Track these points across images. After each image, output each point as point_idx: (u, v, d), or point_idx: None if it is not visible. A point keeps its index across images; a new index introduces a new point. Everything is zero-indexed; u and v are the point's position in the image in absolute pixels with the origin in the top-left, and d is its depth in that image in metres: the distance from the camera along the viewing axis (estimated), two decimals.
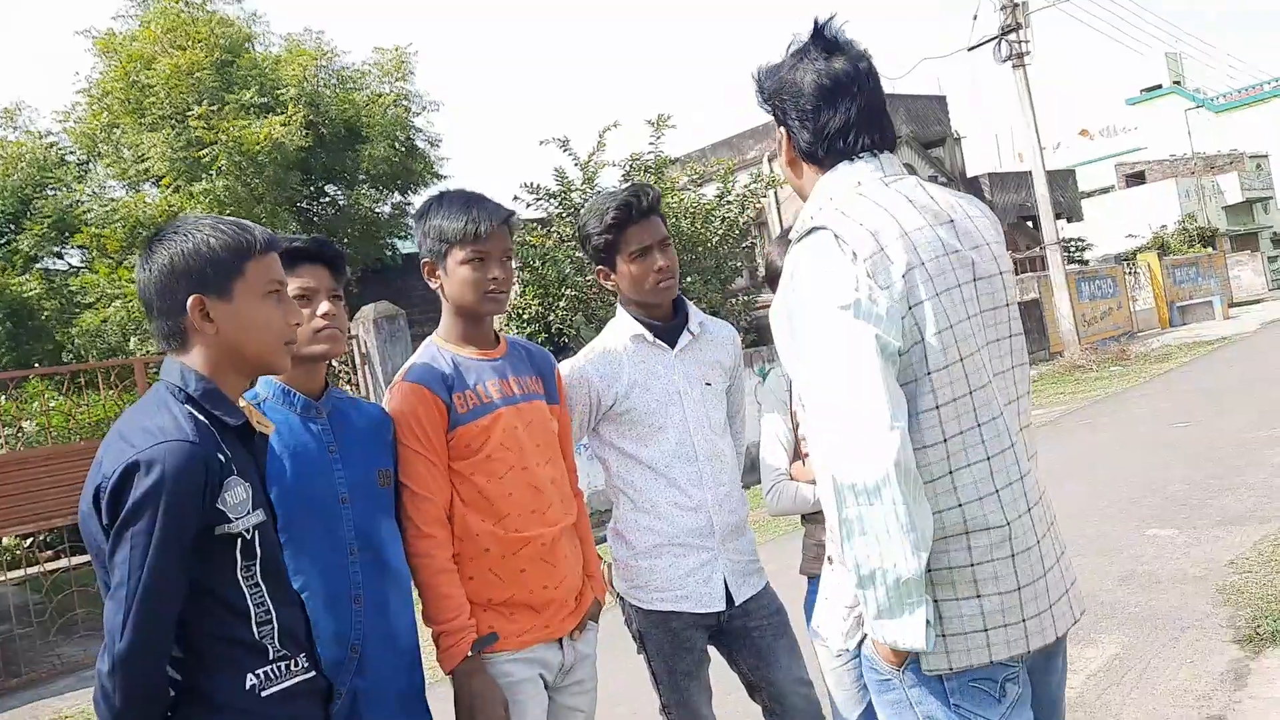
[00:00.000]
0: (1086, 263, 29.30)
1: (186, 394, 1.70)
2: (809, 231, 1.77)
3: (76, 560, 8.63)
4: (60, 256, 13.61)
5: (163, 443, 1.59)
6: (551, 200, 12.92)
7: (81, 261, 13.14)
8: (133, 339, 11.30)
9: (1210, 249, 35.56)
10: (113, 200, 12.02)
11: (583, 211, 2.86)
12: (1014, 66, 20.84)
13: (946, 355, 1.70)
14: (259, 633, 1.68)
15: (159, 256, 1.73)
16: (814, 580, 2.78)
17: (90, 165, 13.10)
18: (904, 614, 1.66)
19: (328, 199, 13.22)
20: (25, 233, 12.44)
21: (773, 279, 2.72)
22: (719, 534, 2.68)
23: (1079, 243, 31.74)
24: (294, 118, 10.83)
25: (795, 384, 1.78)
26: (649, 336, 2.72)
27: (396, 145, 12.25)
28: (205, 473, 1.61)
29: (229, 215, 7.96)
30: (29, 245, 12.47)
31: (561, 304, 12.08)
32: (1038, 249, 25.18)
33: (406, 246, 14.04)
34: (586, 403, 2.69)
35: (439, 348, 2.45)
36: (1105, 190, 45.76)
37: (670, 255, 2.71)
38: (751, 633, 2.71)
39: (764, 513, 2.94)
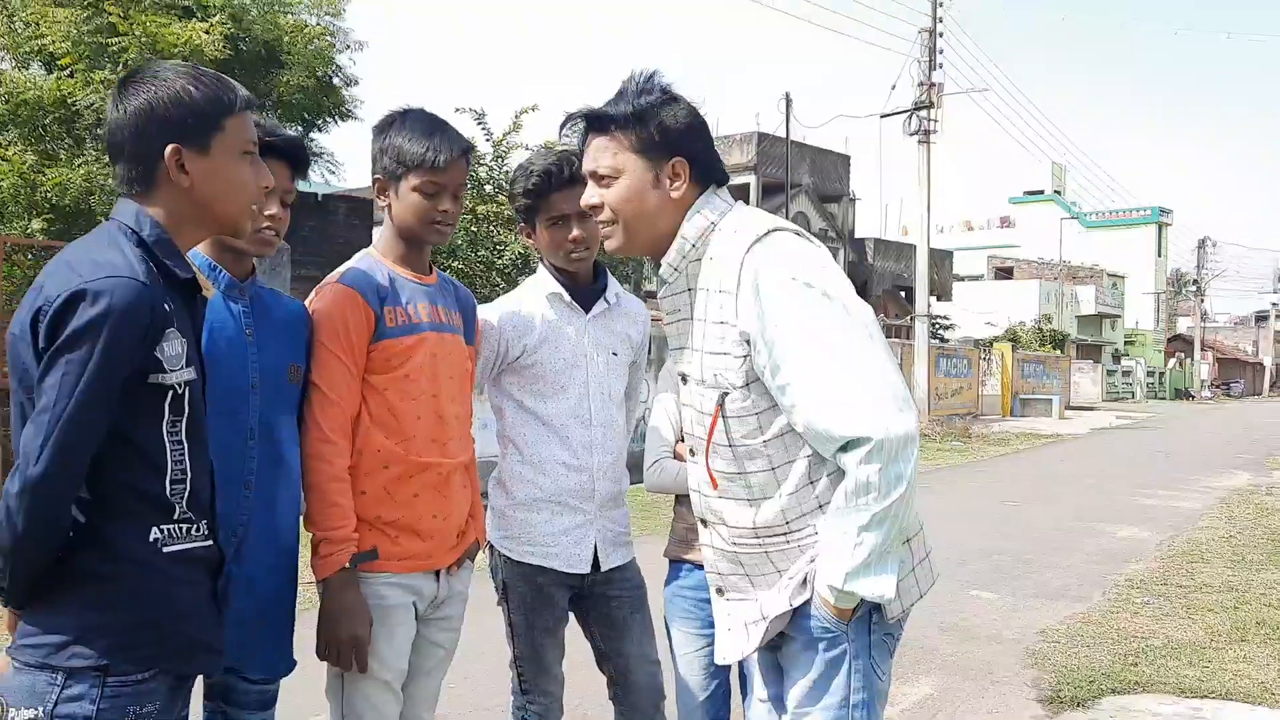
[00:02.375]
0: (947, 341, 30.69)
1: (140, 238, 1.67)
2: (768, 232, 1.93)
3: None
4: None
5: (113, 277, 1.57)
6: None
7: None
8: None
9: (1058, 351, 37.75)
10: None
11: (516, 166, 2.90)
12: (920, 142, 21.74)
13: None
14: (171, 490, 1.66)
15: (136, 99, 1.69)
16: (676, 564, 2.87)
17: None
18: (889, 564, 1.86)
19: None
20: None
21: None
22: (598, 499, 2.74)
23: (944, 320, 33.24)
24: (216, 27, 10.42)
25: (774, 351, 1.86)
26: (565, 296, 2.76)
27: (315, 78, 11.92)
28: (150, 315, 1.59)
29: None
30: None
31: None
32: (907, 319, 26.24)
33: (300, 185, 13.63)
34: (495, 350, 2.72)
35: (377, 260, 2.44)
36: (976, 278, 48.05)
37: (589, 227, 2.68)
38: (610, 601, 2.78)
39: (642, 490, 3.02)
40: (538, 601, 2.71)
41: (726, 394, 1.95)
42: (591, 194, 2.05)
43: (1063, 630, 5.79)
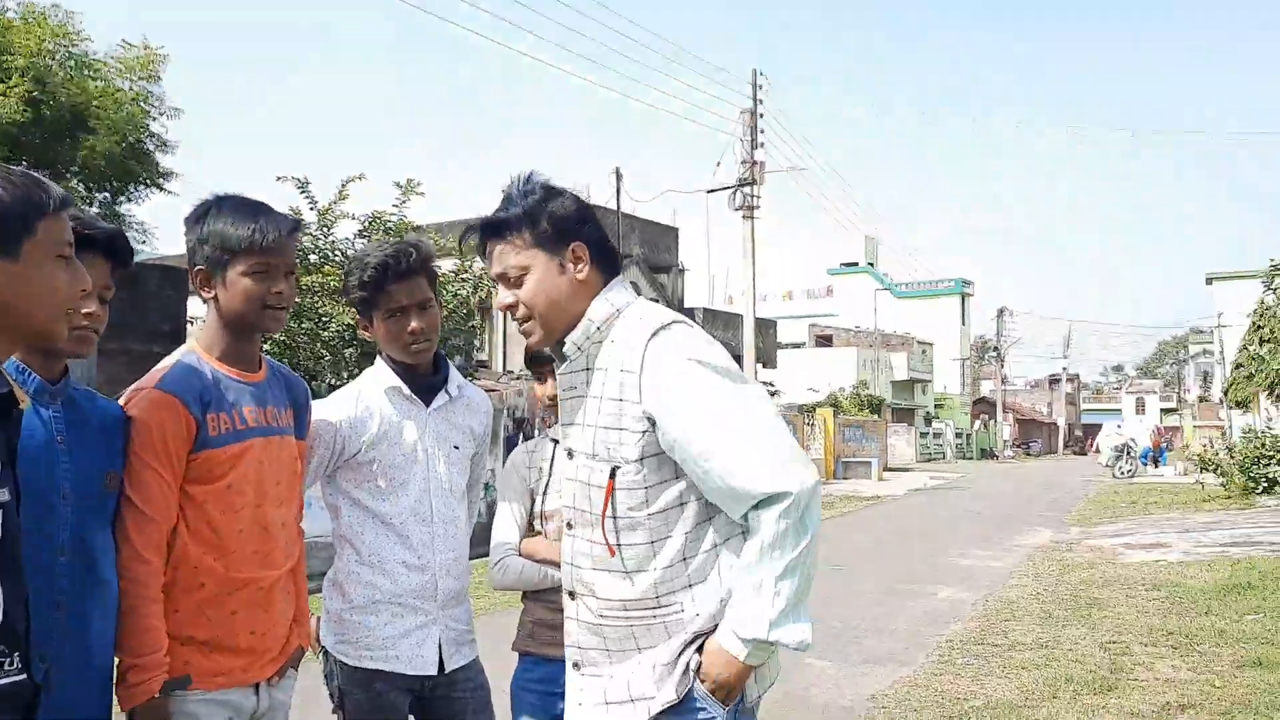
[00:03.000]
0: None
1: None
2: (670, 324, 2.06)
3: None
4: None
5: None
6: None
7: None
8: None
9: (876, 416, 39.50)
10: None
11: (350, 257, 2.85)
12: (744, 217, 22.58)
13: None
14: None
15: None
16: (526, 657, 2.82)
17: None
18: (804, 613, 1.98)
19: None
20: None
21: (536, 359, 2.81)
22: (441, 598, 2.67)
23: (770, 386, 34.27)
24: (14, 88, 9.85)
25: (676, 426, 1.98)
26: (405, 390, 2.70)
27: (124, 144, 11.39)
28: None
29: None
30: None
31: (266, 347, 11.51)
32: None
33: None
34: (330, 448, 2.62)
35: (200, 358, 2.31)
36: (798, 345, 49.94)
37: (428, 317, 2.67)
38: (454, 703, 2.69)
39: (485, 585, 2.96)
40: (375, 708, 2.60)
41: (618, 467, 2.04)
42: (505, 296, 2.14)
43: (892, 695, 5.97)
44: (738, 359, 29.80)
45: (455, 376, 2.83)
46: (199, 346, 2.34)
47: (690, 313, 34.34)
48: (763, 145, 22.87)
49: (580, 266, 2.10)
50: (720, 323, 35.10)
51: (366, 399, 2.68)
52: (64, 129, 11.15)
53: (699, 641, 2.02)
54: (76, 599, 2.00)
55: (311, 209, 13.73)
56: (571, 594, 2.16)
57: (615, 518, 2.05)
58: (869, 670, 6.59)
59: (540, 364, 2.79)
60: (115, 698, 2.11)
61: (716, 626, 2.00)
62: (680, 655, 2.02)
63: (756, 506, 1.95)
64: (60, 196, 1.67)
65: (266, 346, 11.62)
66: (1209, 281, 42.18)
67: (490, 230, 2.14)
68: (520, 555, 2.79)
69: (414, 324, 2.64)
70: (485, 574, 2.90)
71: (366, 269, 2.63)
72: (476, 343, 22.36)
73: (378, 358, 2.78)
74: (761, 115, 23.18)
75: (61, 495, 1.99)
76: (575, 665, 2.16)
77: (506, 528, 2.83)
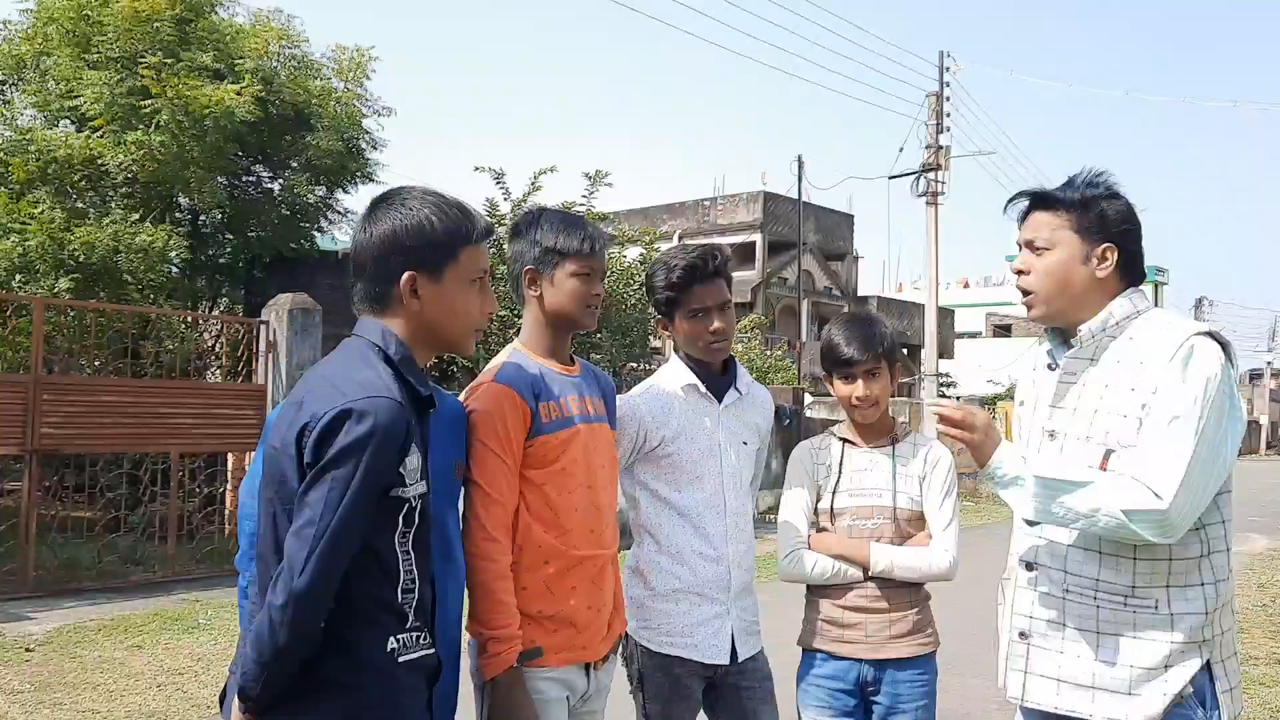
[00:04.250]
0: (952, 399, 30.73)
1: (386, 355, 1.72)
2: (1207, 333, 2.11)
3: None
4: None
5: (375, 397, 1.62)
6: None
7: None
8: (18, 276, 10.65)
9: None
10: (29, 130, 11.40)
11: (653, 260, 2.96)
12: (927, 203, 21.99)
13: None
14: (403, 599, 1.70)
15: (382, 224, 1.78)
16: (810, 653, 2.85)
17: (9, 90, 12.41)
18: None
19: (254, 179, 12.85)
20: None
21: (839, 359, 2.82)
22: (734, 589, 2.74)
23: (946, 378, 33.34)
24: (247, 90, 10.54)
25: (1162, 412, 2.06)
26: (701, 388, 2.79)
27: (342, 141, 12.04)
28: (406, 433, 1.64)
29: (155, 172, 7.62)
30: None
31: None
32: (913, 377, 26.33)
33: (324, 242, 13.73)
34: (633, 439, 2.73)
35: (526, 355, 2.48)
36: (974, 335, 48.29)
37: (728, 319, 2.78)
38: (742, 692, 2.75)
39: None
40: (674, 693, 2.69)
41: (1113, 451, 2.11)
42: (1019, 261, 2.29)
43: None
44: (916, 349, 29.08)
45: (744, 375, 2.89)
46: (523, 345, 2.51)
47: (864, 300, 33.74)
48: (948, 129, 22.22)
49: (1104, 266, 2.20)
50: (894, 311, 34.37)
51: (666, 394, 2.77)
52: (288, 127, 11.85)
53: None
54: (440, 579, 2.15)
55: (506, 199, 14.22)
56: (1030, 565, 2.25)
57: None
58: None
59: (848, 365, 2.80)
60: (477, 668, 2.26)
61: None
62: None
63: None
64: (483, 228, 1.85)
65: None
66: None
67: (1040, 199, 2.27)
68: (811, 549, 2.82)
69: (716, 324, 2.73)
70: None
71: (674, 271, 2.73)
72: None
73: (673, 355, 2.88)
74: (948, 98, 22.51)
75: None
76: (1021, 634, 2.24)
77: (796, 518, 2.87)
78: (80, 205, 11.17)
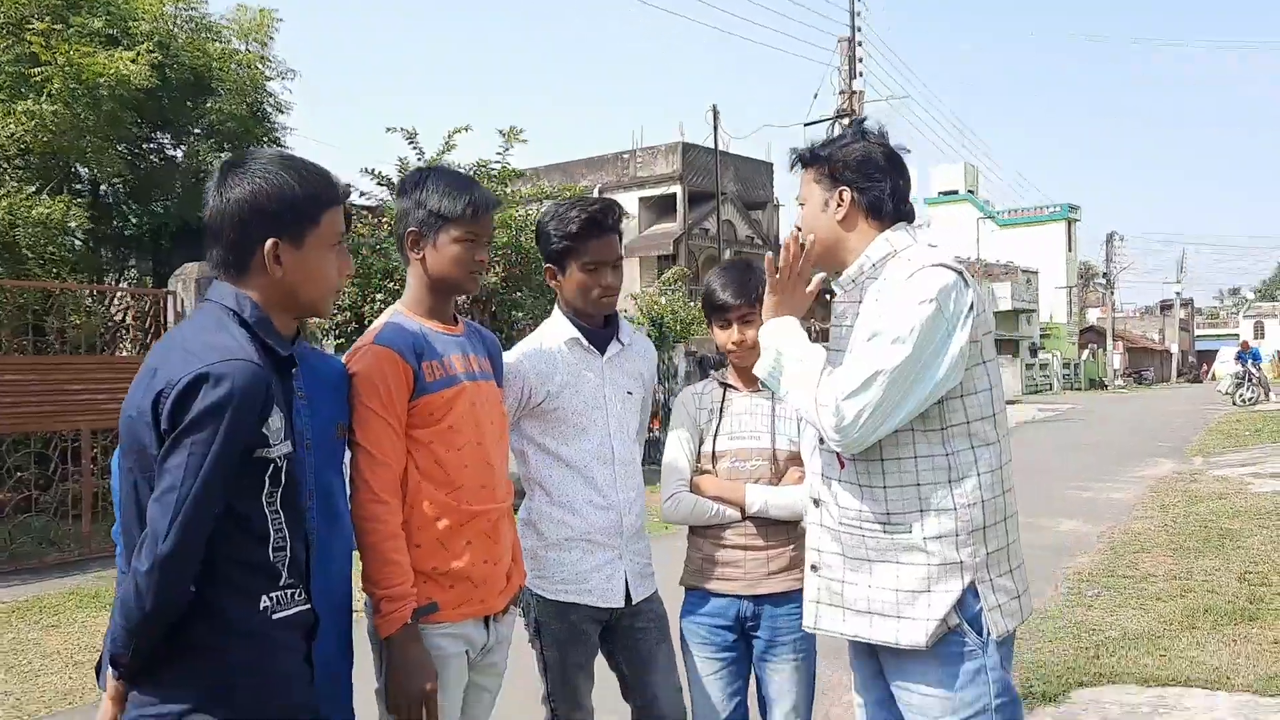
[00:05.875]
0: None
1: (241, 319, 1.73)
2: (935, 265, 2.16)
3: None
4: None
5: (231, 360, 1.63)
6: (388, 189, 12.73)
7: None
8: None
9: None
10: None
11: (544, 209, 2.99)
12: None
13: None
14: (273, 557, 1.73)
15: (237, 189, 1.76)
16: (692, 592, 2.97)
17: None
18: None
19: (155, 146, 12.50)
20: None
21: (715, 305, 2.92)
22: (625, 534, 2.83)
23: None
24: (143, 56, 10.22)
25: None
26: (583, 341, 2.85)
27: (245, 105, 11.75)
28: (265, 395, 1.66)
29: (50, 143, 7.37)
30: None
31: (380, 296, 11.87)
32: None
33: None
34: (518, 396, 2.79)
35: (406, 316, 2.51)
36: None
37: (619, 275, 2.85)
38: (637, 633, 2.86)
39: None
40: (571, 638, 2.79)
41: None
42: (796, 216, 2.44)
43: (1024, 627, 5.99)
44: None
45: (626, 327, 2.97)
46: (404, 307, 2.55)
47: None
48: (861, 75, 22.40)
49: (840, 210, 2.30)
50: None
51: (549, 350, 2.83)
52: (188, 92, 11.51)
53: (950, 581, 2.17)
54: (322, 538, 2.20)
55: (420, 160, 14.04)
56: (816, 501, 2.36)
57: None
58: None
59: (725, 311, 2.89)
60: (374, 628, 2.32)
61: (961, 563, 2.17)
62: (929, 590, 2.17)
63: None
64: (342, 190, 1.85)
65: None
66: None
67: (800, 160, 2.42)
68: (691, 491, 2.92)
69: (609, 279, 2.80)
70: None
71: (571, 222, 2.77)
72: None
73: (555, 310, 2.93)
74: (860, 44, 22.66)
75: (306, 445, 2.19)
76: (813, 567, 2.35)
77: (677, 464, 2.97)
78: None
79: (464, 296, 2.70)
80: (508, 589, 2.57)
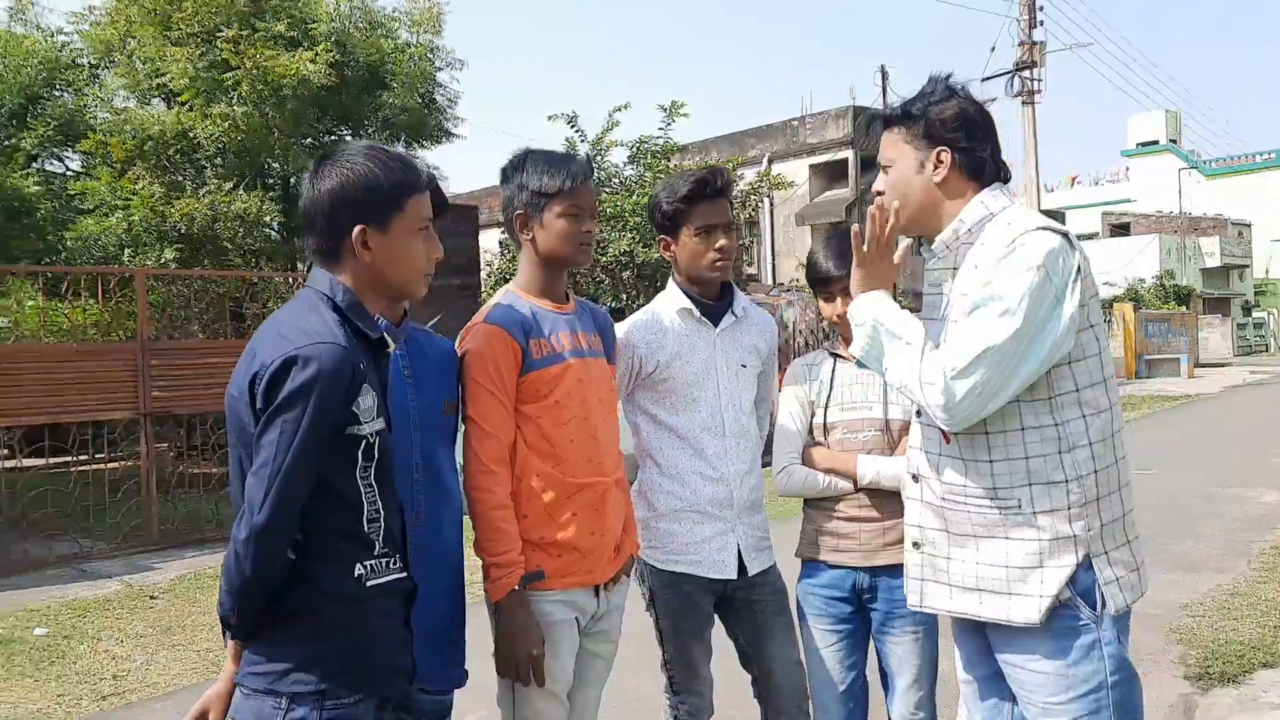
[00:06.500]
0: None
1: (334, 303, 1.85)
2: (1039, 228, 2.07)
3: (53, 460, 8.70)
4: (60, 160, 13.54)
5: (319, 343, 1.74)
6: None
7: (83, 167, 13.07)
8: (127, 250, 11.30)
9: (1184, 308, 36.19)
10: (124, 110, 11.97)
11: (658, 185, 3.02)
12: (1024, 103, 21.14)
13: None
14: (368, 528, 1.83)
15: (328, 180, 1.87)
16: (808, 564, 2.94)
17: (101, 72, 13.02)
18: None
19: (337, 138, 13.21)
20: (29, 132, 12.35)
21: (818, 277, 2.88)
22: (737, 506, 2.84)
23: None
24: (322, 55, 10.83)
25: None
26: (695, 312, 2.86)
27: (416, 97, 12.27)
28: (351, 375, 1.76)
29: (242, 142, 7.94)
30: (31, 144, 12.39)
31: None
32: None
33: None
34: (629, 367, 2.84)
35: (518, 296, 2.60)
36: (1090, 236, 46.33)
37: (732, 238, 2.84)
38: (754, 606, 2.87)
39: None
40: (684, 607, 2.82)
41: None
42: (878, 181, 2.33)
43: (1208, 603, 5.65)
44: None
45: (741, 298, 2.96)
46: (516, 287, 2.64)
47: None
48: (1042, 24, 21.23)
49: (939, 171, 2.21)
50: None
51: (660, 320, 2.87)
52: (364, 86, 12.13)
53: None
54: (431, 510, 2.33)
55: (583, 142, 14.30)
56: (914, 477, 2.29)
57: None
58: (1180, 578, 6.25)
59: (828, 283, 2.85)
60: (485, 593, 2.42)
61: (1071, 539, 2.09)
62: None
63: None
64: (427, 178, 1.94)
65: None
66: None
67: (881, 119, 2.34)
68: (803, 464, 2.90)
69: (721, 241, 2.81)
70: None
71: (681, 186, 2.81)
72: (746, 258, 22.53)
73: (670, 282, 2.96)
74: None
75: (413, 423, 2.31)
76: (914, 544, 2.30)
77: (788, 437, 2.95)
78: (178, 179, 11.74)
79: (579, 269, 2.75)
80: (617, 559, 2.62)
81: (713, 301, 2.91)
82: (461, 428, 2.50)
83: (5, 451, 8.73)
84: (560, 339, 2.55)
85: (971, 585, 2.17)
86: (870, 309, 2.22)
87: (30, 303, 11.14)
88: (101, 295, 8.89)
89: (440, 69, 12.83)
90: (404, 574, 1.92)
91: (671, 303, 2.90)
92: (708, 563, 2.81)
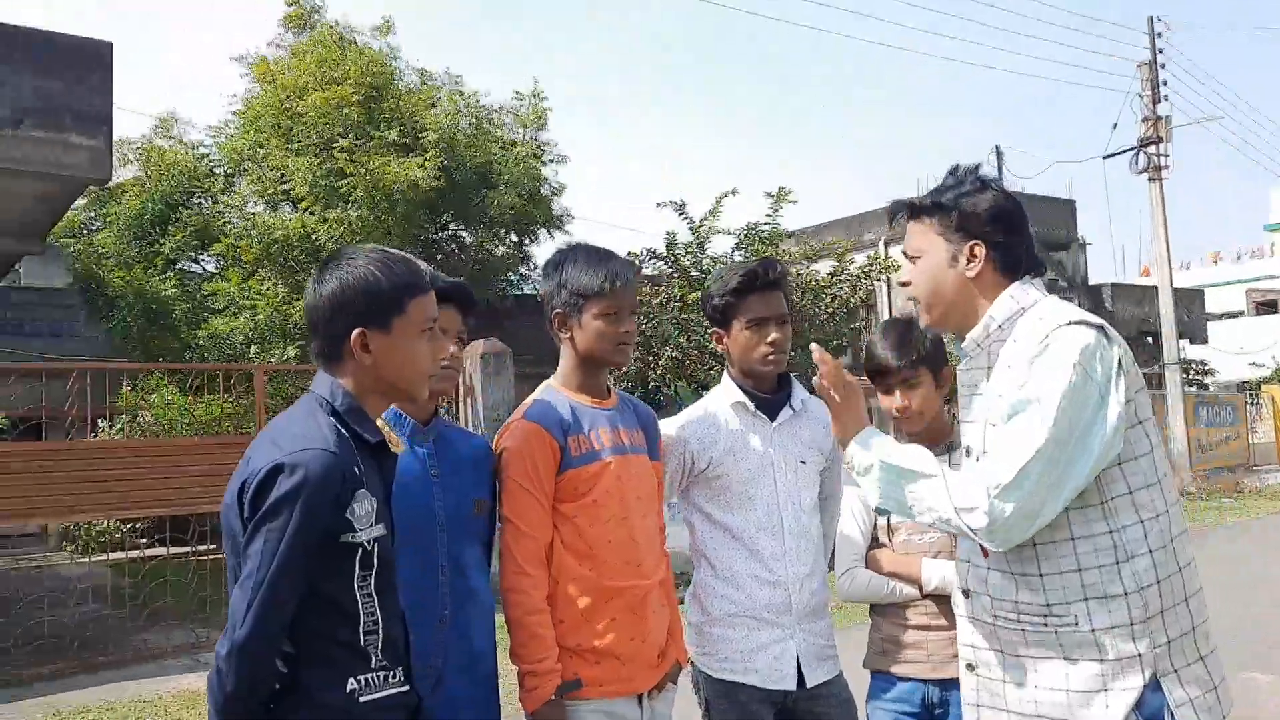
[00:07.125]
0: (1207, 387, 28.22)
1: (333, 408, 1.82)
2: (1073, 322, 1.94)
3: (174, 551, 9.00)
4: (197, 262, 14.38)
5: (306, 449, 1.70)
6: (661, 260, 13.12)
7: (216, 269, 13.83)
8: (254, 347, 11.81)
9: None
10: (252, 215, 12.67)
11: (711, 275, 2.96)
12: (1150, 179, 20.45)
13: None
14: (364, 640, 1.76)
15: (330, 283, 1.86)
16: (877, 675, 2.76)
17: (235, 180, 13.85)
18: None
19: (449, 235, 13.66)
20: (169, 237, 13.21)
21: (875, 368, 2.74)
22: (796, 612, 2.67)
23: (1200, 365, 30.61)
24: (431, 161, 11.27)
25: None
26: (750, 406, 2.76)
27: (523, 194, 12.62)
28: (341, 482, 1.71)
29: (359, 243, 8.34)
30: (170, 249, 13.24)
31: (661, 363, 12.17)
32: (1155, 367, 24.38)
33: (521, 289, 14.40)
34: (680, 464, 2.74)
35: (557, 392, 2.54)
36: (1233, 315, 44.09)
37: (785, 331, 2.74)
38: (817, 718, 2.69)
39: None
40: (740, 718, 2.66)
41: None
42: (903, 273, 2.23)
43: None
44: (1155, 336, 26.84)
45: (799, 391, 2.84)
46: (556, 383, 2.58)
47: (1096, 290, 31.53)
48: (1166, 99, 20.55)
49: (973, 265, 2.10)
50: (1133, 298, 31.95)
51: (713, 415, 2.76)
52: (472, 186, 12.56)
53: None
54: (457, 613, 2.26)
55: (689, 228, 14.39)
56: (966, 593, 2.13)
57: None
58: None
59: (886, 375, 2.71)
60: (520, 702, 2.32)
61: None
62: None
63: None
64: (429, 278, 1.91)
65: (661, 363, 12.38)
66: None
67: (909, 209, 2.22)
68: (867, 565, 2.73)
69: (773, 334, 2.71)
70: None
71: (733, 278, 2.73)
72: (863, 339, 22.17)
73: (724, 376, 2.86)
74: (1163, 66, 20.85)
75: (439, 524, 2.26)
76: (969, 667, 2.13)
77: (851, 538, 2.79)
78: (300, 279, 12.28)
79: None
80: (661, 665, 2.49)
81: (769, 395, 2.79)
82: (498, 527, 2.43)
83: (144, 540, 9.07)
84: (600, 435, 2.48)
85: (1030, 712, 1.97)
86: (870, 453, 2.08)
87: (163, 397, 11.68)
88: (224, 390, 9.26)
89: (544, 163, 13.17)
90: (405, 687, 1.84)
91: (726, 397, 2.80)
92: (764, 672, 2.64)
